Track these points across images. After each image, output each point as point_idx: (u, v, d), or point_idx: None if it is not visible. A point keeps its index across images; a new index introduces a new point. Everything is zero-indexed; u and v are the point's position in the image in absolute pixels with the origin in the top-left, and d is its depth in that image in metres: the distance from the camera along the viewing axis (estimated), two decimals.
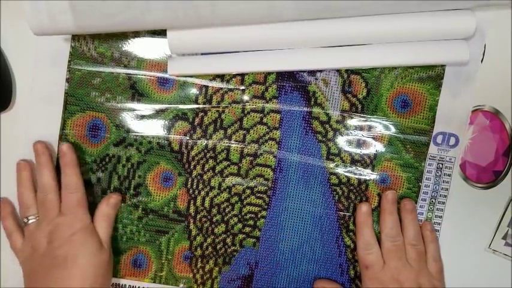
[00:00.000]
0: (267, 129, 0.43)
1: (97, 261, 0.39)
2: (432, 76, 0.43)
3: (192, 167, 0.43)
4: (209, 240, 0.44)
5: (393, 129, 0.43)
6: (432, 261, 0.42)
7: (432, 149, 0.44)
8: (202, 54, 0.41)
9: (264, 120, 0.43)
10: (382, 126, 0.43)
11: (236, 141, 0.43)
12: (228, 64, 0.41)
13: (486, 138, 0.44)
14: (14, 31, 0.41)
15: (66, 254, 0.39)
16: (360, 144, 0.44)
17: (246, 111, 0.43)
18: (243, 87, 0.43)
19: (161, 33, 0.42)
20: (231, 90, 0.43)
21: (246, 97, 0.43)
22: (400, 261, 0.41)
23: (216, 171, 0.44)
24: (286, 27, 0.39)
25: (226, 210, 0.44)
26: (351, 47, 0.41)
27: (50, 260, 0.39)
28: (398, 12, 0.39)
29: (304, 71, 0.43)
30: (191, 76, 0.42)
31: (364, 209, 0.43)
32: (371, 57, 0.41)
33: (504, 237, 0.45)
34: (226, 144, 0.43)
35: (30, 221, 0.41)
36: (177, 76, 0.42)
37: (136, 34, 0.42)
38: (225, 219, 0.44)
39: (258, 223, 0.44)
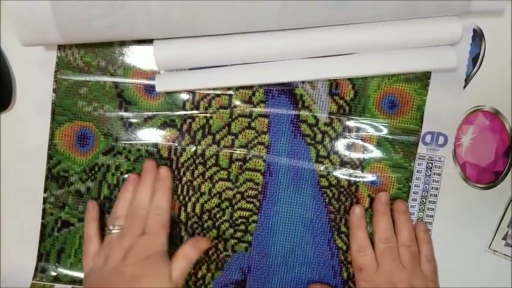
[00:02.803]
0: (255, 134, 0.43)
1: None
2: (419, 76, 0.43)
3: (181, 173, 0.43)
4: None
5: (381, 130, 0.43)
6: (426, 262, 0.42)
7: (421, 149, 0.44)
8: (190, 69, 0.41)
9: (252, 124, 0.43)
10: (370, 128, 0.43)
11: (225, 146, 0.43)
12: (216, 78, 0.41)
13: (486, 138, 0.44)
14: (14, 31, 0.41)
15: (134, 274, 0.38)
16: (348, 146, 0.44)
17: (233, 116, 0.43)
18: (230, 92, 0.43)
19: (147, 41, 0.42)
20: (218, 95, 0.43)
21: (233, 102, 0.43)
22: (393, 262, 0.41)
23: (206, 177, 0.44)
24: (273, 39, 0.39)
25: (217, 216, 0.44)
26: (337, 57, 0.41)
27: (117, 276, 0.38)
28: (383, 20, 0.39)
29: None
30: (179, 91, 0.43)
31: (357, 211, 0.43)
32: (358, 66, 0.41)
33: (504, 238, 0.45)
34: (215, 150, 0.43)
35: (113, 231, 0.40)
36: (166, 93, 0.43)
37: (122, 42, 0.42)
38: (216, 224, 0.44)
39: (249, 228, 0.44)
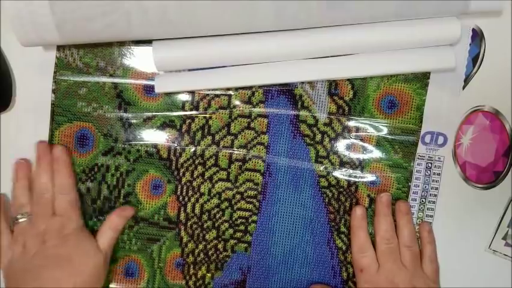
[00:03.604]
0: (254, 134, 0.43)
1: (91, 264, 0.39)
2: (418, 76, 0.43)
3: (181, 174, 0.43)
4: (201, 246, 0.44)
5: (381, 130, 0.43)
6: (429, 263, 0.42)
7: (421, 149, 0.44)
8: (189, 70, 0.41)
9: (252, 125, 0.43)
10: (369, 128, 0.43)
11: (224, 146, 0.43)
12: (215, 79, 0.41)
13: (486, 138, 0.44)
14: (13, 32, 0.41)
15: (60, 254, 0.38)
16: (348, 146, 0.44)
17: (233, 117, 0.43)
18: (229, 93, 0.43)
19: (146, 41, 0.42)
20: (217, 96, 0.43)
21: (232, 102, 0.43)
22: (394, 263, 0.41)
23: (206, 177, 0.44)
24: (272, 40, 0.39)
25: (217, 216, 0.44)
26: (336, 58, 0.41)
27: (42, 260, 0.38)
28: (382, 21, 0.39)
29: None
30: (179, 92, 0.43)
31: (358, 212, 0.43)
32: (357, 67, 0.41)
33: (504, 238, 0.45)
34: (215, 150, 0.43)
35: (21, 220, 0.40)
36: (165, 93, 0.43)
37: (122, 43, 0.42)
38: (216, 225, 0.44)
39: (249, 228, 0.44)
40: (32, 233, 0.39)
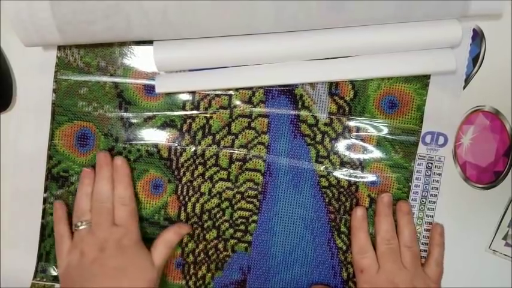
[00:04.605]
0: (255, 134, 0.43)
1: (146, 277, 0.39)
2: (419, 76, 0.43)
3: (181, 173, 0.43)
4: (201, 246, 0.44)
5: (381, 130, 0.43)
6: (434, 265, 0.42)
7: (421, 149, 0.44)
8: (190, 70, 0.41)
9: (252, 124, 0.43)
10: (370, 128, 0.43)
11: (225, 146, 0.43)
12: (216, 80, 0.41)
13: (486, 138, 0.44)
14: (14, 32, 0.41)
15: (117, 265, 0.38)
16: (348, 146, 0.44)
17: (233, 117, 0.43)
18: (230, 93, 0.43)
19: (147, 41, 0.42)
20: (218, 96, 0.43)
21: (233, 102, 0.43)
22: (395, 264, 0.41)
23: (206, 177, 0.44)
24: (272, 41, 0.39)
25: (217, 216, 0.44)
26: (337, 60, 0.41)
27: (99, 268, 0.38)
28: (381, 23, 0.39)
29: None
30: (179, 92, 0.43)
31: (359, 213, 0.43)
32: (358, 69, 0.41)
33: (504, 238, 0.45)
34: (215, 150, 0.43)
35: (81, 227, 0.40)
36: (166, 93, 0.43)
37: (122, 43, 0.42)
38: (216, 224, 0.44)
39: (249, 228, 0.44)
40: (91, 241, 0.39)
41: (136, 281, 0.38)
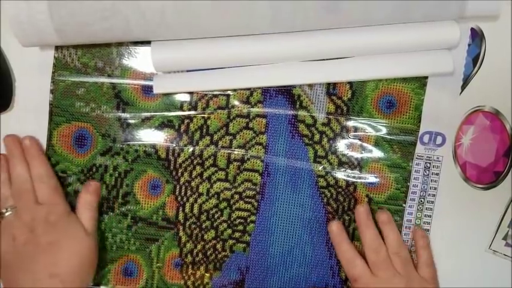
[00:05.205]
0: (253, 134, 0.43)
1: (82, 247, 0.40)
2: (417, 76, 0.43)
3: (179, 174, 0.43)
4: (199, 246, 0.44)
5: (379, 130, 0.43)
6: (425, 267, 0.42)
7: (419, 149, 0.44)
8: (187, 71, 0.41)
9: (250, 125, 0.43)
10: (368, 127, 0.43)
11: (223, 147, 0.43)
12: (214, 80, 0.41)
13: (486, 138, 0.44)
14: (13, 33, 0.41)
15: (51, 240, 0.39)
16: (346, 146, 0.44)
17: (231, 117, 0.43)
18: (228, 93, 0.43)
19: (144, 41, 0.42)
20: (216, 96, 0.43)
21: (231, 102, 0.43)
22: (387, 271, 0.41)
23: (204, 177, 0.44)
24: (270, 42, 0.39)
25: (216, 216, 0.44)
26: (334, 61, 0.41)
27: (33, 247, 0.38)
28: (377, 24, 0.39)
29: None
30: (177, 93, 0.43)
31: (334, 227, 0.43)
32: (355, 71, 0.41)
33: (504, 238, 0.45)
34: (213, 151, 0.43)
35: (7, 213, 0.40)
36: (163, 94, 0.43)
37: (120, 43, 0.42)
38: (215, 225, 0.44)
39: (247, 228, 0.44)
40: (19, 224, 0.39)
41: (72, 250, 0.39)
